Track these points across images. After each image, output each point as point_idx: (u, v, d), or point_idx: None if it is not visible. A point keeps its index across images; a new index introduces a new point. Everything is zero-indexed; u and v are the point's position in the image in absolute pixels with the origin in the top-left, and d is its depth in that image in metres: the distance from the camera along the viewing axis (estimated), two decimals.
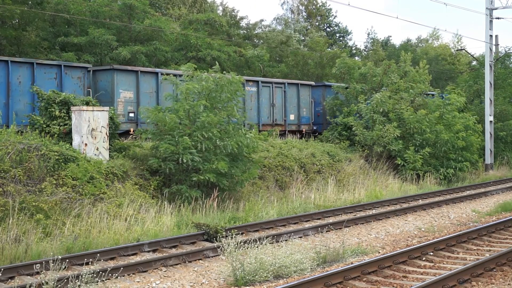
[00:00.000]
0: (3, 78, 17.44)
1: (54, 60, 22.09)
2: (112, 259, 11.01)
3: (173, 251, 11.81)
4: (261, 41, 37.32)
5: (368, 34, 56.49)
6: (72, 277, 8.77)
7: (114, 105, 18.81)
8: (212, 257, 11.36)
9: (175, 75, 18.92)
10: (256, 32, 39.13)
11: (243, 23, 39.37)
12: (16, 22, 25.89)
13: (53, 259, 9.55)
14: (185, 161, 15.19)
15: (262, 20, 41.36)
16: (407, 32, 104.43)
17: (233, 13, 38.82)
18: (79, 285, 8.50)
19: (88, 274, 8.50)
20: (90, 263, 10.46)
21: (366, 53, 48.80)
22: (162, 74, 20.21)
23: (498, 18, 30.05)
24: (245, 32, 38.96)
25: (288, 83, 25.88)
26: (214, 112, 16.19)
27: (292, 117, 25.87)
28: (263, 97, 24.59)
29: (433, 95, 28.08)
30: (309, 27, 46.57)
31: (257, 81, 24.58)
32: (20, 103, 17.72)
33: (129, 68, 20.45)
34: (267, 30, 39.80)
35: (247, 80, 23.81)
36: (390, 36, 66.56)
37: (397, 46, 51.28)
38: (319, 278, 9.01)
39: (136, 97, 19.88)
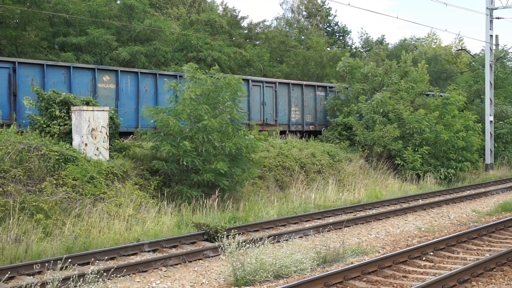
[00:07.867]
0: (134, 87, 19.81)
1: (172, 71, 24.20)
2: (112, 259, 11.00)
3: (173, 251, 11.81)
4: (261, 41, 37.25)
5: (361, 36, 56.45)
6: (74, 277, 8.77)
7: None
8: (212, 257, 11.36)
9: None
10: (256, 31, 39.06)
11: (244, 23, 39.36)
12: (16, 22, 25.86)
13: (57, 258, 9.55)
14: (185, 163, 15.33)
15: (264, 21, 41.38)
16: (405, 32, 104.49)
17: (234, 13, 38.78)
18: (80, 285, 8.51)
19: (92, 274, 8.49)
20: (91, 263, 10.48)
21: (365, 54, 48.72)
22: (252, 81, 23.70)
23: (498, 18, 30.06)
24: (247, 32, 38.89)
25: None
26: (214, 113, 16.20)
27: None
28: None
29: (433, 95, 28.08)
30: (309, 26, 46.52)
31: (325, 87, 27.17)
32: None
33: None
34: (268, 30, 39.72)
35: (317, 86, 26.93)
36: (384, 35, 66.68)
37: (394, 46, 51.26)
38: (319, 278, 9.01)
39: None
